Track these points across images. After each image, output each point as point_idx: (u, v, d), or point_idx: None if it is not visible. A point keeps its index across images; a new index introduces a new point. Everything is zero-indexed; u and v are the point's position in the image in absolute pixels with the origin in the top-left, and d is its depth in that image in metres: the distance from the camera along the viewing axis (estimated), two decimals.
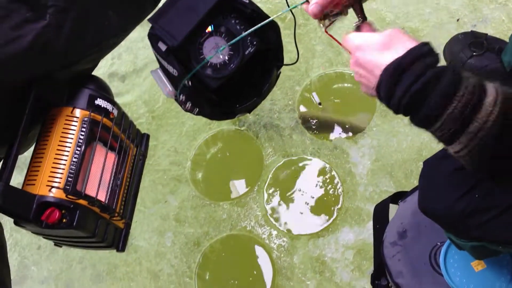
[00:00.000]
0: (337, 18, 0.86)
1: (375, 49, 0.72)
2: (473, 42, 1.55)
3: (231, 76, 1.07)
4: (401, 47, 0.70)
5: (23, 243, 1.70)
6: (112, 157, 1.08)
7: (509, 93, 0.66)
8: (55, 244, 1.09)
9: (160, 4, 1.07)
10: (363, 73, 0.75)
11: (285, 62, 1.17)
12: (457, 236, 0.91)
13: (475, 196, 0.80)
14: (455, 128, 0.66)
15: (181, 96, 1.11)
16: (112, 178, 1.06)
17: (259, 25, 0.95)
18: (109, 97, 1.09)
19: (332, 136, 1.66)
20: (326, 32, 0.89)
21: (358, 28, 0.84)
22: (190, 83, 1.03)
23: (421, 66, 0.68)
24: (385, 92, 0.70)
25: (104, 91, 1.11)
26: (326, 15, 0.86)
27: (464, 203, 0.79)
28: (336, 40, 0.89)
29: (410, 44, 0.70)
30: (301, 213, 1.58)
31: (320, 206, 1.57)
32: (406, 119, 0.72)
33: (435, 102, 0.66)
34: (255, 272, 1.53)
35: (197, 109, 1.16)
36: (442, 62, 1.79)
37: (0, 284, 0.96)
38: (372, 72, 0.72)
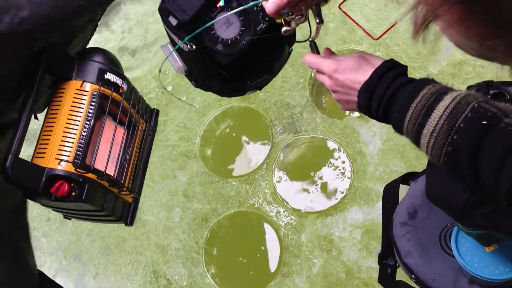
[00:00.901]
0: (298, 22, 0.91)
1: (350, 70, 0.83)
2: None
3: (242, 53, 1.06)
4: (370, 68, 0.81)
5: (33, 215, 1.72)
6: (121, 131, 1.08)
7: (469, 99, 0.68)
8: (65, 217, 1.10)
9: None
10: (343, 90, 0.86)
11: (297, 39, 1.15)
12: (462, 224, 0.91)
13: None
14: (415, 132, 0.73)
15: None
16: (121, 153, 1.06)
17: (243, 7, 0.93)
18: (119, 72, 1.08)
19: (343, 115, 1.64)
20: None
21: (312, 47, 0.95)
22: (193, 47, 1.01)
23: (387, 80, 0.78)
24: (364, 108, 0.82)
25: (114, 65, 1.10)
26: (286, 19, 0.90)
27: (468, 193, 0.79)
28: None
29: (377, 62, 0.81)
30: (310, 192, 1.57)
31: (329, 185, 1.57)
32: None
33: (398, 110, 0.75)
34: (262, 249, 1.54)
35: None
36: None
37: (20, 252, 0.96)
38: (352, 88, 0.83)
